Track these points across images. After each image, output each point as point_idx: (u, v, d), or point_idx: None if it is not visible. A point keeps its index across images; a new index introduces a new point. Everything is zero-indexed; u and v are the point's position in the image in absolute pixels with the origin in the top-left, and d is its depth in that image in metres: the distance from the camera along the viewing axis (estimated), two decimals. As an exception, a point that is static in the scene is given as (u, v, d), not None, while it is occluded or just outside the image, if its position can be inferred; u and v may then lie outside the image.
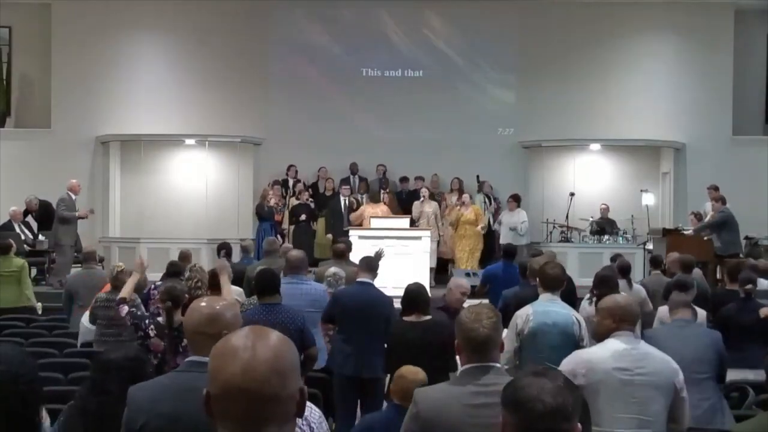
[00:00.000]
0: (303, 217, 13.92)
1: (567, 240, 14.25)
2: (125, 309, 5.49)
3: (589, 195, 14.78)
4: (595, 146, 15.55)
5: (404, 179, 15.14)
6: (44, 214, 13.54)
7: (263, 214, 13.94)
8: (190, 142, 15.54)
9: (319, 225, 14.27)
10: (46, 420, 3.21)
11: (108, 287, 7.52)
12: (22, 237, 13.03)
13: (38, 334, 8.26)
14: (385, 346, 5.96)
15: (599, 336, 4.01)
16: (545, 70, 15.49)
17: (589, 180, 15.28)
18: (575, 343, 4.91)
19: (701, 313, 6.12)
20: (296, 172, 15.02)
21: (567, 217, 14.27)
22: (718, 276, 11.14)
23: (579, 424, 1.90)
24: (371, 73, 15.88)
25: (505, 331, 4.29)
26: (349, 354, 6.07)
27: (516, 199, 13.94)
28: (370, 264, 6.54)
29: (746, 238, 12.87)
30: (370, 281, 6.44)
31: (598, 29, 15.49)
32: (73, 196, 12.57)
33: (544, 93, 15.39)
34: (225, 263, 6.25)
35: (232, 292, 6.24)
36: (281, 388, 1.63)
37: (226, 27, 15.54)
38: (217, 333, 3.01)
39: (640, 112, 15.37)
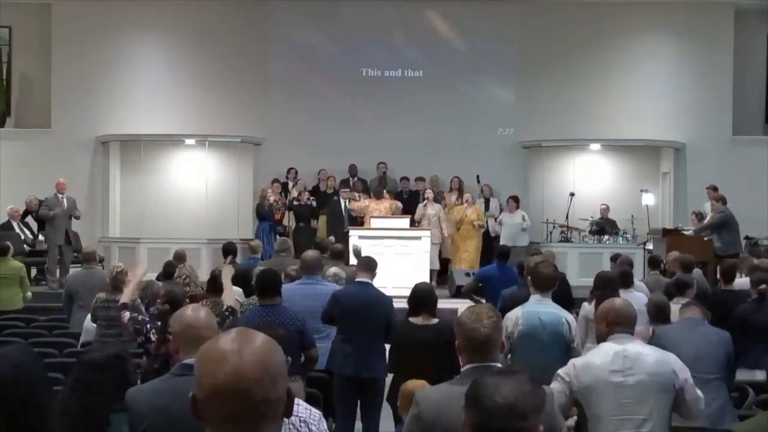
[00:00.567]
0: (302, 224, 13.91)
1: (567, 240, 14.26)
2: (127, 315, 5.48)
3: (589, 195, 14.78)
4: (595, 146, 15.55)
5: (405, 178, 15.15)
6: (44, 215, 13.55)
7: (263, 213, 13.95)
8: (190, 142, 15.54)
9: (320, 224, 14.27)
10: None
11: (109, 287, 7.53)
12: (22, 237, 13.03)
13: (38, 334, 8.26)
14: (387, 346, 5.95)
15: (599, 340, 4.02)
16: (545, 70, 15.49)
17: (589, 180, 15.28)
18: (566, 344, 4.90)
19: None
20: (296, 173, 15.00)
21: (567, 217, 14.27)
22: (718, 276, 11.13)
23: (540, 426, 1.89)
24: (371, 73, 15.88)
25: None
26: (349, 354, 6.05)
27: (516, 201, 13.94)
28: (369, 264, 6.53)
29: (746, 238, 12.87)
30: (369, 281, 6.43)
31: (598, 29, 15.49)
32: (60, 195, 12.49)
33: (544, 93, 15.39)
34: (230, 268, 6.24)
35: (233, 293, 6.24)
36: (271, 390, 1.63)
37: (226, 27, 15.54)
38: (196, 337, 3.06)
39: (640, 112, 15.37)
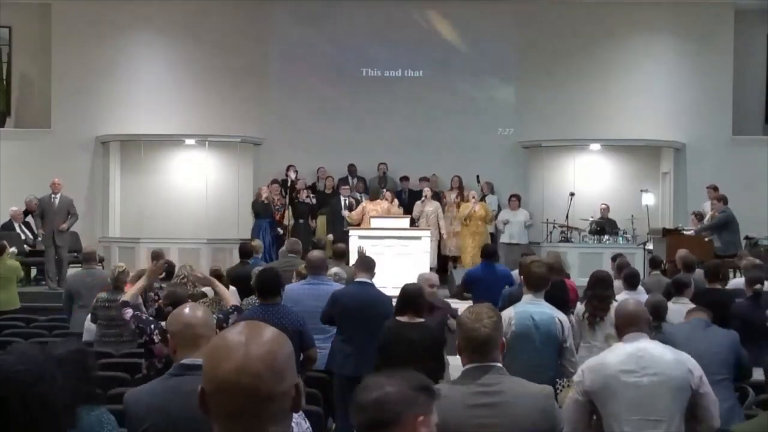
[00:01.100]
0: (301, 221, 13.90)
1: (567, 240, 14.25)
2: (129, 312, 5.46)
3: (589, 195, 14.78)
4: (595, 146, 15.55)
5: (405, 178, 15.15)
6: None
7: (258, 210, 13.96)
8: (190, 142, 15.54)
9: (319, 223, 14.26)
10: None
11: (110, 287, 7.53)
12: (23, 237, 13.04)
13: (38, 334, 8.26)
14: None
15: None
16: (545, 70, 15.49)
17: (589, 180, 15.27)
18: (558, 344, 4.89)
19: None
20: (296, 171, 14.99)
21: (567, 217, 14.27)
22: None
23: (421, 417, 1.92)
24: (371, 73, 15.88)
25: None
26: (349, 354, 6.05)
27: (518, 199, 13.96)
28: (368, 263, 6.53)
29: (746, 238, 12.87)
30: (369, 281, 6.43)
31: (598, 29, 15.49)
32: (53, 196, 12.43)
33: (544, 93, 15.39)
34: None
35: (231, 293, 6.27)
36: (277, 385, 1.61)
37: (226, 27, 15.54)
38: (194, 335, 3.06)
39: (640, 112, 15.37)
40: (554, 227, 14.48)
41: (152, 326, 5.32)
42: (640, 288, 7.70)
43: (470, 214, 13.48)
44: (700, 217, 12.62)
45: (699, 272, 8.27)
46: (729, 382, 5.01)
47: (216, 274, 6.47)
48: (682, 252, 8.90)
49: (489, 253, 8.91)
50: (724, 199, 12.02)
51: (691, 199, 14.53)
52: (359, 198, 14.09)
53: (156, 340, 5.14)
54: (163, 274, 6.82)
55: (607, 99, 15.46)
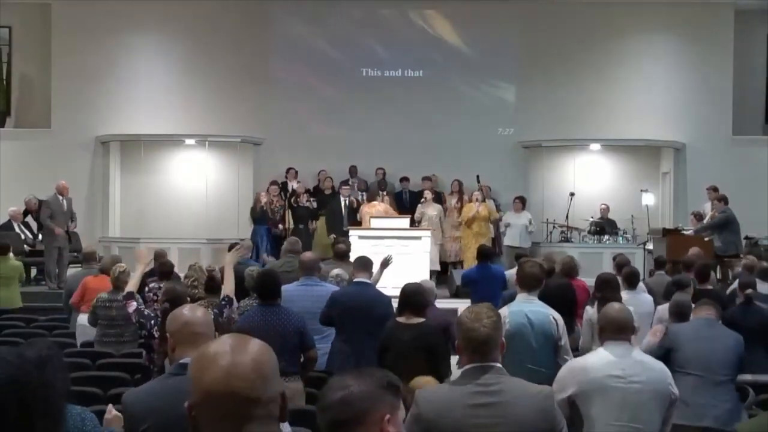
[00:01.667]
0: (301, 226, 13.89)
1: (567, 240, 14.25)
2: (134, 305, 5.47)
3: (589, 195, 14.78)
4: (595, 146, 15.55)
5: (405, 179, 15.13)
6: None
7: (255, 216, 13.96)
8: (190, 142, 15.54)
9: (319, 225, 14.25)
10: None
11: (109, 287, 7.52)
12: (22, 237, 13.04)
13: (38, 334, 8.26)
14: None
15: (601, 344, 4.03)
16: (545, 70, 15.49)
17: (589, 180, 15.27)
18: (554, 343, 4.89)
19: None
20: (296, 173, 15.00)
21: (567, 217, 14.27)
22: (719, 276, 11.14)
23: (388, 415, 1.90)
24: (371, 73, 15.88)
25: None
26: (349, 354, 6.05)
27: (522, 201, 13.95)
28: (365, 264, 6.52)
29: (746, 238, 12.86)
30: (368, 281, 6.43)
31: (598, 29, 15.49)
32: (60, 198, 12.48)
33: (544, 93, 15.39)
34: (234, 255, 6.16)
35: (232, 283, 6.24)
36: (264, 390, 1.64)
37: (226, 27, 15.54)
38: (193, 333, 3.07)
39: (640, 112, 15.37)
40: (554, 227, 14.48)
41: (152, 322, 5.33)
42: (641, 286, 7.70)
43: (474, 215, 13.46)
44: (699, 217, 12.62)
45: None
46: (731, 383, 5.00)
47: (211, 275, 6.46)
48: (694, 249, 8.88)
49: (485, 253, 8.92)
50: (724, 199, 12.01)
51: (691, 199, 14.53)
52: (359, 199, 14.09)
53: (155, 336, 5.15)
54: (151, 263, 6.77)
55: (607, 99, 15.46)
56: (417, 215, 13.51)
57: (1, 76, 15.75)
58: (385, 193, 14.33)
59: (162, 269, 7.68)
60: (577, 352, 5.82)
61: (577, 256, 13.43)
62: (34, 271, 13.29)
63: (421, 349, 5.20)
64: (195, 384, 1.66)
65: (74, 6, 15.38)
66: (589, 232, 14.19)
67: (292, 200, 14.15)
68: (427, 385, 4.15)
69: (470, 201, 13.82)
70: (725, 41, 15.34)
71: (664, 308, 6.78)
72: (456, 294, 11.68)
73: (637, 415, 3.72)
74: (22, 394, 2.23)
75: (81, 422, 3.14)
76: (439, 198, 14.28)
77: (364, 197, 14.24)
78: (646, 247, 13.04)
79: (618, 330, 3.88)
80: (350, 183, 14.67)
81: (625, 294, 6.85)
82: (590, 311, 6.42)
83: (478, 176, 14.59)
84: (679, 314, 5.75)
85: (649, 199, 14.20)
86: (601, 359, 3.85)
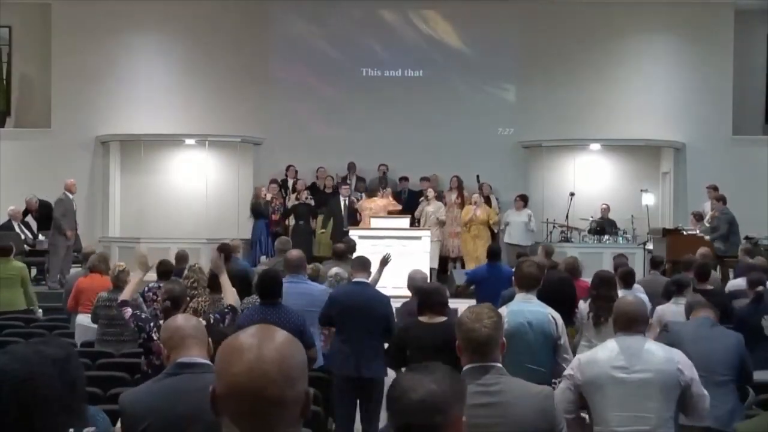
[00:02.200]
0: (301, 222, 13.90)
1: (567, 240, 14.25)
2: (129, 311, 5.47)
3: (589, 195, 14.78)
4: (595, 146, 15.54)
5: (404, 179, 15.13)
6: (44, 214, 13.54)
7: (259, 211, 13.92)
8: (190, 142, 15.54)
9: (318, 223, 14.26)
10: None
11: (101, 285, 7.53)
12: (22, 237, 13.04)
13: (38, 334, 8.24)
14: (388, 345, 5.92)
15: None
16: (545, 70, 15.48)
17: (589, 180, 15.27)
18: (553, 342, 4.90)
19: None
20: (296, 171, 15.02)
21: (567, 217, 14.27)
22: (719, 276, 11.13)
23: (463, 417, 1.86)
24: (371, 73, 15.88)
25: None
26: (348, 354, 6.04)
27: (523, 199, 13.95)
28: (364, 263, 6.52)
29: (746, 238, 12.85)
30: (366, 280, 6.42)
31: (598, 29, 15.49)
32: (70, 196, 12.56)
33: (544, 93, 15.38)
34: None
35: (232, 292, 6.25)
36: (287, 389, 1.62)
37: (226, 27, 15.55)
38: (181, 337, 3.13)
39: (640, 112, 15.36)
40: (554, 227, 14.48)
41: (151, 324, 5.33)
42: (636, 286, 7.71)
43: (471, 218, 13.46)
44: (699, 217, 12.62)
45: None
46: (732, 383, 4.98)
47: (213, 273, 6.47)
48: (702, 249, 8.86)
49: (494, 253, 8.94)
50: (723, 199, 12.02)
51: (691, 199, 14.53)
52: (359, 198, 14.09)
53: (155, 338, 5.15)
54: (149, 263, 6.76)
55: (607, 99, 15.46)
56: (418, 213, 13.53)
57: (1, 76, 15.75)
58: (386, 190, 14.32)
59: (161, 269, 7.69)
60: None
61: (577, 256, 13.53)
62: (34, 271, 13.27)
63: (449, 348, 5.18)
64: (220, 374, 1.64)
65: (74, 6, 15.38)
66: (589, 232, 14.19)
67: (294, 196, 14.14)
68: None
69: (469, 203, 13.83)
70: (725, 41, 15.34)
71: (662, 308, 6.78)
72: (456, 294, 11.66)
73: (644, 406, 3.73)
74: (41, 391, 2.24)
75: (93, 420, 3.16)
76: (440, 197, 14.28)
77: (363, 197, 14.22)
78: (646, 247, 13.04)
79: (629, 322, 3.90)
80: (348, 182, 14.67)
81: (620, 293, 6.84)
82: (581, 306, 6.43)
83: (478, 176, 14.62)
84: (603, 284, 5.84)
85: (649, 199, 14.20)
86: (609, 351, 3.88)
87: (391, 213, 13.32)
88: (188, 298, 5.73)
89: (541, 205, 15.03)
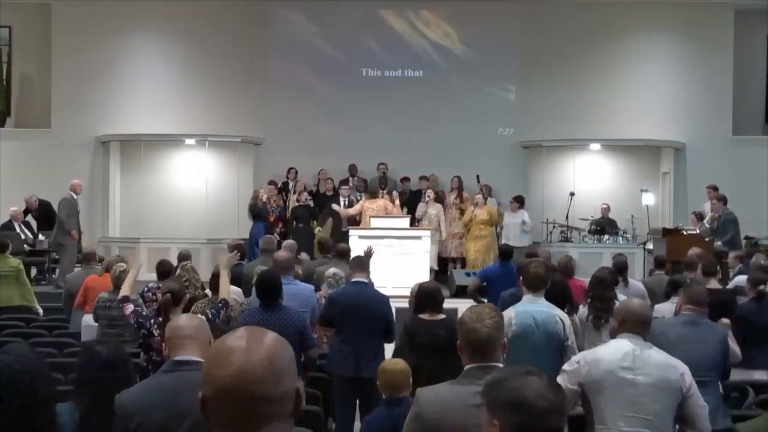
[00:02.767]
0: (301, 225, 13.88)
1: (567, 240, 14.25)
2: (130, 307, 5.48)
3: (589, 195, 14.79)
4: (595, 146, 15.55)
5: (406, 179, 15.13)
6: (44, 214, 13.54)
7: (258, 212, 13.91)
8: (190, 142, 15.54)
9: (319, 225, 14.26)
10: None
11: (110, 286, 7.51)
12: (23, 237, 13.03)
13: (38, 334, 8.26)
14: (400, 343, 5.90)
15: (612, 337, 4.05)
16: (545, 70, 15.48)
17: (589, 180, 15.28)
18: (560, 343, 4.89)
19: None
20: (296, 173, 15.02)
21: (567, 217, 14.27)
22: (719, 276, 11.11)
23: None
24: (371, 73, 15.88)
25: None
26: (348, 354, 6.04)
27: (518, 201, 13.93)
28: (362, 263, 6.52)
29: (746, 238, 12.86)
30: (365, 280, 6.42)
31: (598, 29, 15.49)
32: (75, 196, 12.59)
33: (544, 93, 15.38)
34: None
35: (232, 292, 6.26)
36: (275, 389, 1.61)
37: (226, 27, 15.54)
38: (180, 337, 3.16)
39: (640, 112, 15.37)
40: (554, 227, 14.48)
41: (152, 321, 5.34)
42: (633, 284, 7.72)
43: (471, 218, 13.46)
44: (700, 217, 12.61)
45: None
46: (716, 383, 4.91)
47: (215, 273, 6.48)
48: (695, 249, 8.85)
49: (506, 253, 9.01)
50: (724, 199, 12.01)
51: (691, 199, 14.53)
52: (359, 198, 14.08)
53: (155, 334, 5.16)
54: (139, 260, 6.78)
55: (607, 99, 15.46)
56: (419, 213, 13.52)
57: (1, 76, 15.75)
58: (386, 191, 14.31)
59: (161, 269, 7.69)
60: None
61: (577, 256, 13.49)
62: (34, 271, 13.28)
63: (453, 344, 5.21)
64: (207, 377, 1.63)
65: (74, 6, 15.38)
66: (589, 232, 14.19)
67: (295, 198, 14.14)
68: (394, 367, 4.27)
69: (470, 203, 13.82)
70: (725, 41, 15.34)
71: (661, 307, 6.77)
72: (456, 294, 11.68)
73: (645, 408, 3.73)
74: (41, 391, 2.27)
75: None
76: (439, 198, 14.27)
77: (362, 197, 14.21)
78: (646, 247, 13.04)
79: (638, 324, 3.90)
80: (350, 184, 14.66)
81: (618, 290, 6.84)
82: (581, 310, 6.41)
83: (478, 176, 14.60)
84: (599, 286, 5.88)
85: (649, 199, 14.20)
86: (614, 351, 3.86)
87: (389, 213, 13.32)
88: (188, 296, 5.73)
89: (541, 205, 15.03)
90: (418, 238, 12.20)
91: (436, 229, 13.33)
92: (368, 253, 7.26)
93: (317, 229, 13.85)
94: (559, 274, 7.62)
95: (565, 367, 3.95)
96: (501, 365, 3.04)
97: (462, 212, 13.82)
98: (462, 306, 5.44)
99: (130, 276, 5.90)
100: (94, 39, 15.35)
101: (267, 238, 9.75)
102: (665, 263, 9.49)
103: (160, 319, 5.33)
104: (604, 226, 14.18)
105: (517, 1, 15.47)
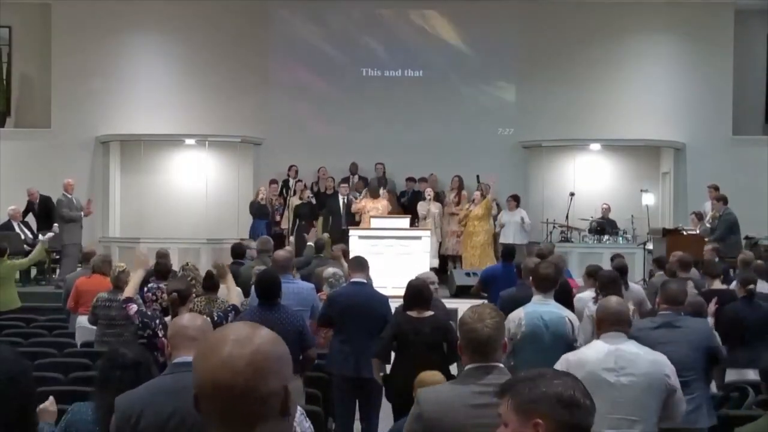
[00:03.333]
0: (303, 223, 13.87)
1: (567, 240, 14.25)
2: (134, 308, 5.48)
3: (589, 195, 14.78)
4: (595, 146, 15.55)
5: (411, 179, 15.06)
6: (44, 210, 13.52)
7: (253, 211, 13.92)
8: (190, 142, 15.54)
9: (319, 224, 14.26)
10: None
11: (101, 286, 7.52)
12: (22, 237, 13.03)
13: (38, 334, 8.26)
14: (382, 338, 5.91)
15: (597, 337, 4.05)
16: (545, 70, 15.48)
17: (589, 180, 15.28)
18: (569, 344, 4.89)
19: None
20: (296, 171, 15.02)
21: (567, 217, 14.27)
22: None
23: None
24: (371, 73, 15.88)
25: None
26: (348, 354, 6.05)
27: (515, 199, 13.92)
28: (361, 263, 6.52)
29: (746, 238, 12.86)
30: (365, 280, 6.42)
31: (598, 29, 15.49)
32: (69, 195, 12.58)
33: (544, 93, 15.38)
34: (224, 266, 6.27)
35: (237, 292, 6.29)
36: (260, 384, 1.57)
37: (226, 27, 15.54)
38: (184, 337, 3.17)
39: (640, 112, 15.37)
40: (554, 227, 14.47)
41: (156, 321, 5.35)
42: (633, 286, 7.72)
43: (466, 215, 13.45)
44: (700, 216, 12.61)
45: (695, 272, 8.23)
46: (699, 382, 4.78)
47: (209, 273, 6.48)
48: (677, 254, 8.83)
49: (508, 252, 9.03)
50: (724, 199, 12.00)
51: (691, 199, 14.53)
52: (358, 197, 14.07)
53: (160, 334, 5.17)
54: (149, 261, 6.78)
55: (607, 99, 15.46)
56: (421, 212, 13.54)
57: (1, 76, 15.75)
58: (386, 190, 14.31)
59: (160, 269, 7.69)
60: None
61: (577, 256, 13.60)
62: (34, 271, 13.28)
63: (440, 341, 5.26)
64: (196, 371, 1.62)
65: (74, 6, 15.38)
66: (589, 232, 14.19)
67: (297, 196, 14.13)
68: (433, 378, 4.19)
69: (456, 202, 13.82)
70: (725, 41, 15.34)
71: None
72: (456, 294, 11.68)
73: (631, 408, 3.74)
74: (33, 388, 2.29)
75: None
76: (439, 197, 14.28)
77: (360, 196, 14.19)
78: (646, 247, 13.04)
79: (615, 323, 3.91)
80: (350, 183, 14.66)
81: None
82: (592, 308, 6.39)
83: (478, 176, 14.59)
84: (610, 286, 5.78)
85: (649, 199, 14.20)
86: (597, 352, 3.87)
87: (391, 213, 13.34)
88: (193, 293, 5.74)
89: (541, 205, 15.04)
90: (418, 238, 12.20)
91: (436, 227, 13.36)
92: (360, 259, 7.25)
93: (325, 235, 13.72)
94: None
95: (555, 367, 3.96)
96: (502, 365, 3.04)
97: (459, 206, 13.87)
98: (462, 306, 5.45)
99: (135, 276, 5.89)
100: (94, 39, 15.35)
101: (263, 238, 9.75)
102: (665, 264, 9.46)
103: (167, 318, 5.34)
104: (604, 226, 14.17)
105: (517, 1, 15.47)
